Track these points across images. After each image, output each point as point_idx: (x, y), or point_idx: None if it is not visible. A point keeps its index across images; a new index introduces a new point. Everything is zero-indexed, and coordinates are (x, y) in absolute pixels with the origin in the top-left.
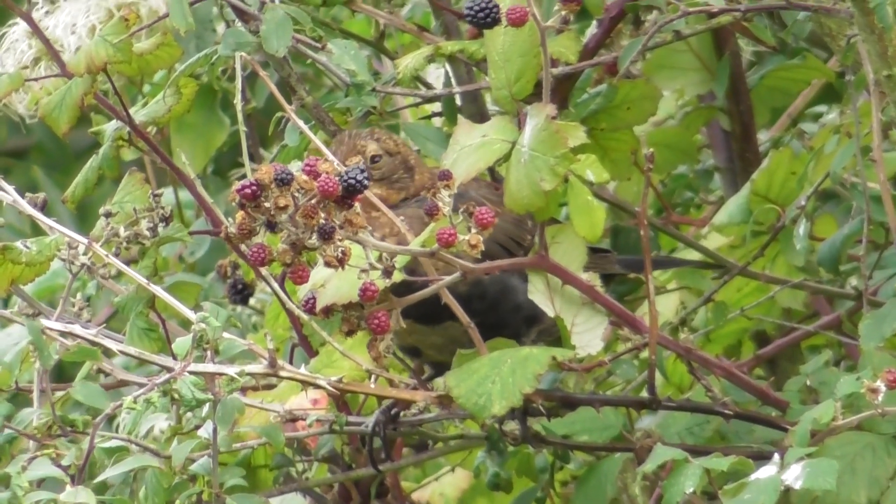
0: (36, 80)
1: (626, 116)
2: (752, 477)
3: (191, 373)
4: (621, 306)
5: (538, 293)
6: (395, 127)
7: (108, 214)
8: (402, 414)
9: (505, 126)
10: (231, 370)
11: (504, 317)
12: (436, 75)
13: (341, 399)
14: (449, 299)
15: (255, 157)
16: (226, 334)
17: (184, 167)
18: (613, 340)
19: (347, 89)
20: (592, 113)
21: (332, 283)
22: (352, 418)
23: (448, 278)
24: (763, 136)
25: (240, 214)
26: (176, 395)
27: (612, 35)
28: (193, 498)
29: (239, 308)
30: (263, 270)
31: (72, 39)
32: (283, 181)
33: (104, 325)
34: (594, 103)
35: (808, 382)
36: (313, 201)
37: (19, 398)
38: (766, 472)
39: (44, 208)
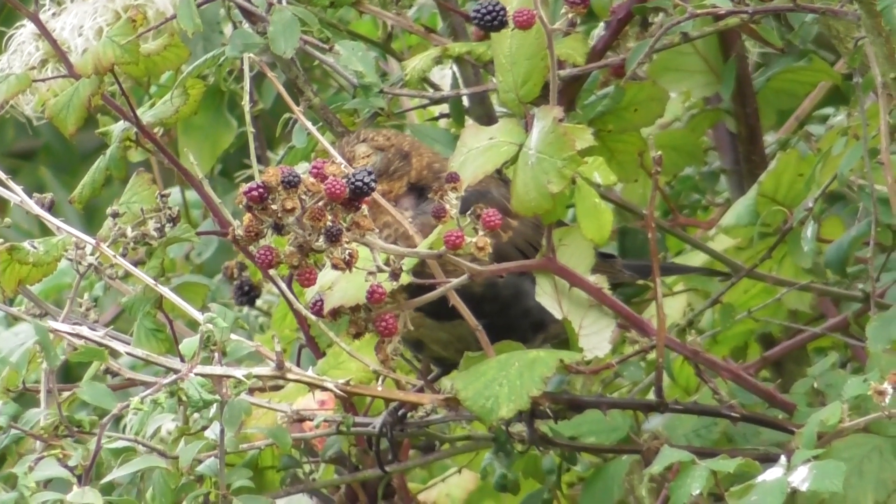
0: (43, 81)
1: (634, 118)
2: (759, 479)
3: (198, 375)
4: (629, 309)
5: (546, 296)
6: (402, 128)
7: (116, 215)
8: (409, 415)
9: (512, 128)
10: (238, 372)
11: (512, 320)
12: (440, 76)
13: (348, 400)
14: (457, 301)
15: (262, 159)
16: (233, 336)
17: (191, 168)
18: (621, 343)
19: (355, 90)
20: (600, 115)
21: (339, 286)
22: (359, 419)
23: (455, 281)
24: (770, 139)
25: (247, 217)
26: (183, 396)
27: (619, 37)
28: (200, 499)
29: (246, 309)
30: (271, 271)
31: (79, 41)
32: (291, 184)
33: (111, 325)
34: (601, 105)
35: (815, 385)
36: (320, 204)
37: (26, 398)
38: (773, 474)
39: (51, 209)
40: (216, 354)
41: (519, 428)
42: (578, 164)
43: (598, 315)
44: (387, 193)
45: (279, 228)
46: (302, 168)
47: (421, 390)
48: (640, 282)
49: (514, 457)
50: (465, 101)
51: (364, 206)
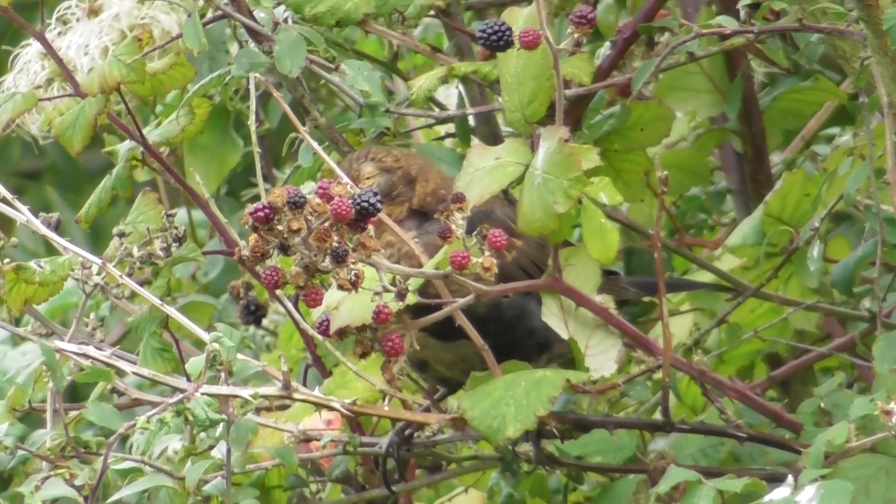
0: (49, 100)
1: (640, 138)
2: (766, 498)
3: (204, 394)
4: (635, 328)
5: (552, 316)
6: (408, 147)
7: (122, 234)
8: (415, 435)
9: (518, 148)
10: (245, 392)
11: (517, 341)
12: (446, 95)
13: (355, 420)
14: (463, 321)
15: (268, 178)
16: (239, 355)
17: (197, 188)
18: (627, 362)
19: (361, 110)
20: (605, 134)
21: (345, 306)
22: (365, 439)
23: (461, 301)
24: (776, 158)
25: (253, 237)
26: (189, 416)
27: (624, 56)
28: None
29: (252, 329)
30: (277, 291)
31: (85, 60)
32: (296, 204)
33: (117, 345)
34: (607, 125)
35: (822, 404)
36: (326, 224)
37: (32, 418)
38: (780, 493)
39: (57, 228)
40: (222, 374)
41: (525, 447)
42: (584, 184)
43: (605, 335)
44: (387, 216)
45: (285, 249)
46: (308, 188)
47: (427, 410)
48: (646, 299)
49: (521, 476)
50: (471, 121)
51: (370, 227)
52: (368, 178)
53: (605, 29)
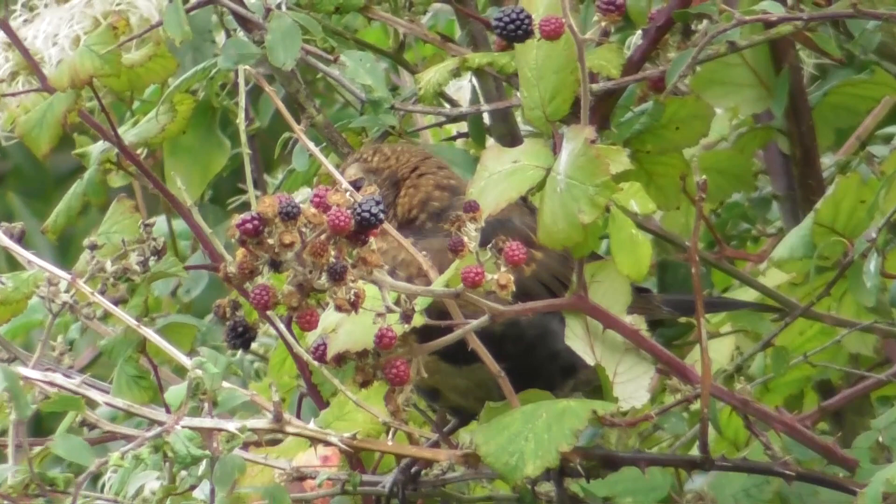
0: (13, 95)
1: (675, 138)
2: None
3: (185, 427)
4: (669, 353)
5: (576, 338)
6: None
7: (94, 247)
8: (423, 473)
9: (539, 150)
10: (231, 425)
11: (538, 364)
12: (457, 89)
13: (355, 456)
14: (477, 345)
15: (258, 183)
16: (225, 383)
17: (179, 194)
18: (660, 391)
19: (363, 107)
20: (637, 134)
21: (344, 328)
22: (366, 477)
23: (474, 323)
24: (827, 161)
25: (240, 252)
26: (169, 451)
27: (658, 47)
28: None
29: (240, 353)
30: (268, 312)
31: (53, 51)
32: (290, 214)
33: (88, 371)
34: (638, 123)
35: (880, 438)
36: (322, 237)
37: None
38: None
39: (21, 239)
40: (206, 404)
41: (546, 487)
42: (613, 191)
43: (636, 360)
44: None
45: (276, 265)
46: (303, 195)
47: (436, 445)
48: (682, 319)
49: None
50: (486, 119)
51: (372, 240)
52: (355, 182)
53: (635, 16)
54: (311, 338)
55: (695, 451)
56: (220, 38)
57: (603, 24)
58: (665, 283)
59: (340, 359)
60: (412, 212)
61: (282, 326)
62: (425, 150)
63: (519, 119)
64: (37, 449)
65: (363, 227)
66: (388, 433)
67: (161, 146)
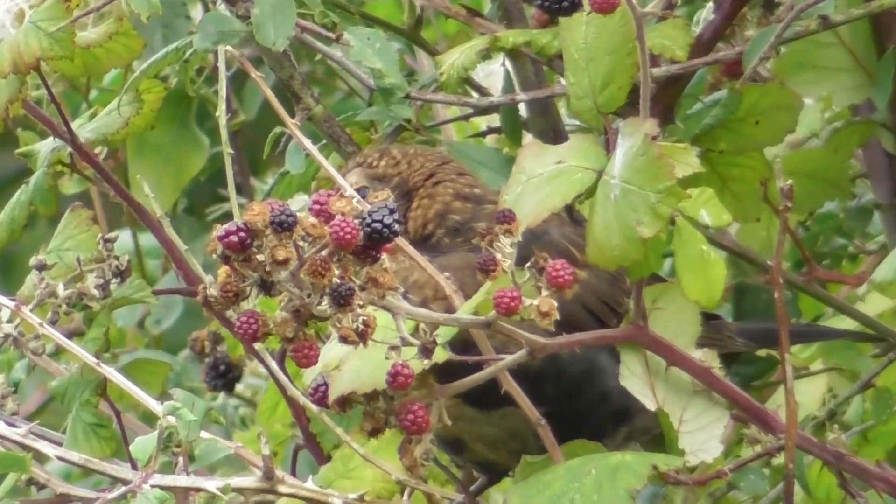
0: None
1: (754, 134)
2: None
3: (155, 487)
4: (747, 395)
5: (633, 377)
6: (435, 146)
7: (42, 267)
8: None
9: (588, 149)
10: (211, 484)
11: (584, 409)
12: (486, 74)
13: None
14: (511, 386)
15: (243, 190)
16: (204, 433)
17: (146, 202)
18: (736, 442)
19: (371, 96)
20: (708, 129)
21: (349, 365)
22: None
23: (510, 358)
24: None
25: (223, 271)
26: None
27: (734, 23)
28: None
29: (222, 397)
30: (256, 345)
31: None
32: (283, 226)
33: (36, 419)
34: (710, 116)
35: None
36: (324, 253)
37: None
38: None
39: None
40: (180, 459)
41: None
42: (679, 199)
43: (706, 405)
44: None
45: (268, 287)
46: (299, 203)
47: None
48: (762, 353)
49: None
50: (523, 111)
51: (384, 257)
52: (359, 191)
53: None
54: (310, 376)
55: None
56: (197, 12)
57: None
58: (742, 310)
59: (345, 402)
60: (427, 226)
61: (273, 364)
62: (443, 154)
63: (563, 111)
64: None
65: (374, 242)
66: (403, 493)
67: (124, 144)
